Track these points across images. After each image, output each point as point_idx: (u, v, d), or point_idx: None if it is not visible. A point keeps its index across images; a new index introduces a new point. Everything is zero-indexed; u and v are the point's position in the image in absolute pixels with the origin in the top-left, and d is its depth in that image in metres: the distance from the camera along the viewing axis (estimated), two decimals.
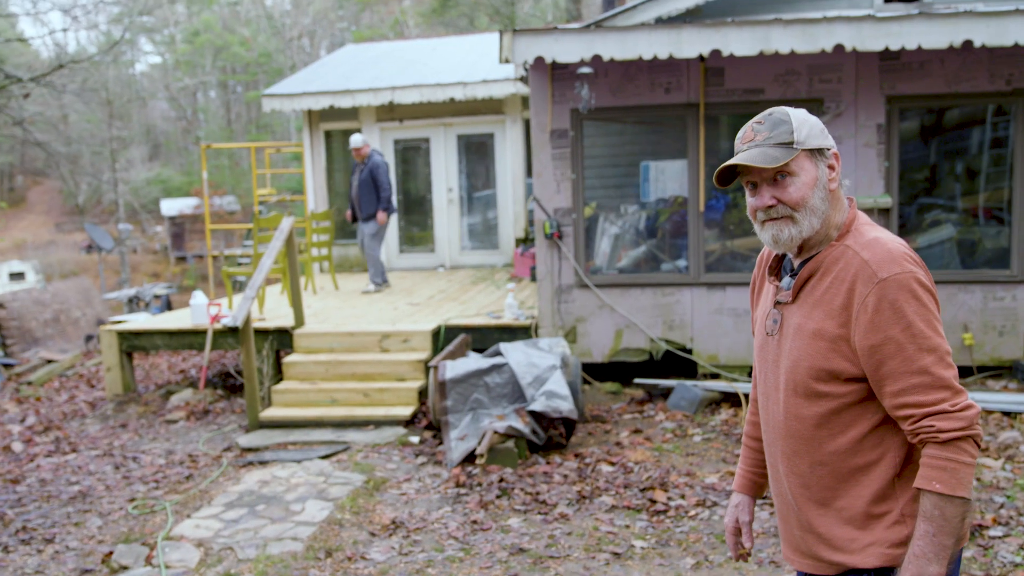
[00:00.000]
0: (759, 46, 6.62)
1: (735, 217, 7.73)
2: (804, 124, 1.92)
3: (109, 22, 35.80)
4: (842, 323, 1.84)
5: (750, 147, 1.92)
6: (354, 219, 10.11)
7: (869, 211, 7.20)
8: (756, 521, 4.67)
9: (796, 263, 2.00)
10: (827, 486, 1.93)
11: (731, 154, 7.78)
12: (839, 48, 6.59)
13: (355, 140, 9.81)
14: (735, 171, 1.95)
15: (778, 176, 1.91)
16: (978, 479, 5.17)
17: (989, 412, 6.39)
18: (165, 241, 35.61)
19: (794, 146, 1.89)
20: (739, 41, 6.63)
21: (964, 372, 7.35)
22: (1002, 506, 4.76)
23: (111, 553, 4.73)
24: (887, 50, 6.65)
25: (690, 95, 7.33)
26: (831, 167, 1.94)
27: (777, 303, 2.01)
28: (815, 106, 7.21)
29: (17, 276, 31.37)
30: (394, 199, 10.03)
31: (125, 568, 4.57)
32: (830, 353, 1.86)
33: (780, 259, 2.07)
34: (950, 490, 1.75)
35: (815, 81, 7.18)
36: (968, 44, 6.51)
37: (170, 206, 33.71)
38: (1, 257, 35.09)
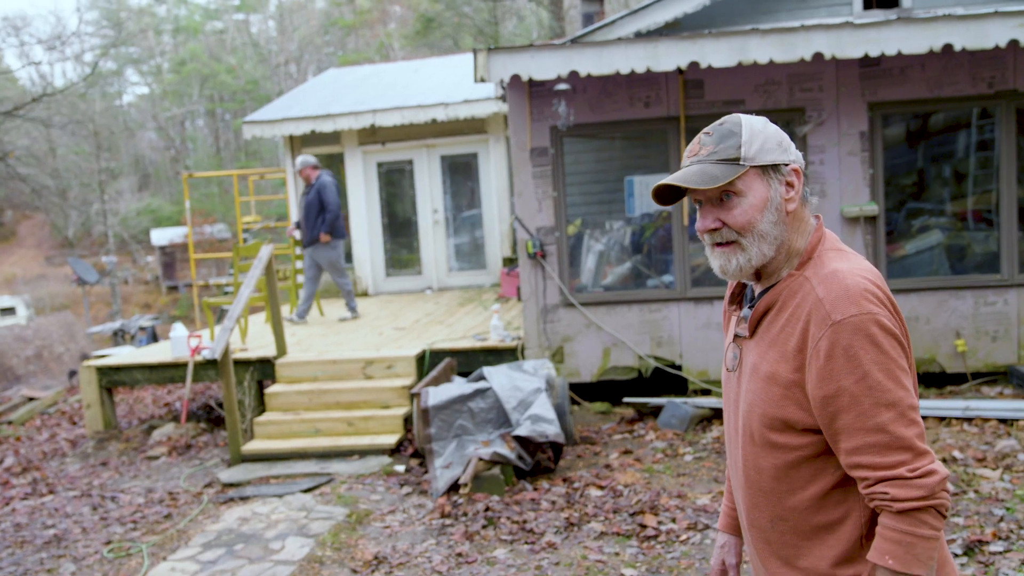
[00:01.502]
0: (737, 57, 6.53)
1: None
2: (757, 136, 1.70)
3: (96, 55, 35.81)
4: (796, 368, 1.64)
5: (692, 162, 1.72)
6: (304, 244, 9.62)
7: (856, 220, 7.10)
8: None
9: (757, 292, 1.80)
10: (788, 543, 1.74)
11: None
12: (818, 56, 6.51)
13: (298, 161, 9.41)
14: (680, 188, 1.75)
15: (723, 195, 1.70)
16: (976, 491, 5.03)
17: (985, 420, 6.26)
18: (156, 271, 35.46)
19: (741, 163, 1.68)
20: (716, 52, 6.54)
21: (958, 379, 7.22)
22: (1001, 519, 4.61)
23: None
24: (867, 57, 6.57)
25: (670, 108, 7.23)
26: (789, 185, 1.72)
27: (736, 336, 1.82)
28: (796, 115, 7.12)
29: (8, 311, 31.18)
30: (342, 221, 9.55)
31: None
32: (783, 400, 1.65)
33: (744, 285, 1.88)
34: (904, 567, 1.55)
35: (796, 90, 7.09)
36: (948, 48, 6.42)
37: (160, 235, 33.58)
38: None
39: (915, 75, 6.97)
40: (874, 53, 6.41)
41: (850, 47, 6.43)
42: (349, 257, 12.37)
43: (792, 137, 7.13)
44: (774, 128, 1.75)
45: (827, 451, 1.66)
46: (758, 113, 6.69)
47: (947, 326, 7.15)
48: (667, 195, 1.76)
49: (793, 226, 1.73)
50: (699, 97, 7.19)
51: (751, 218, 1.69)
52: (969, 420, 6.29)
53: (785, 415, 1.65)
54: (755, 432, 1.72)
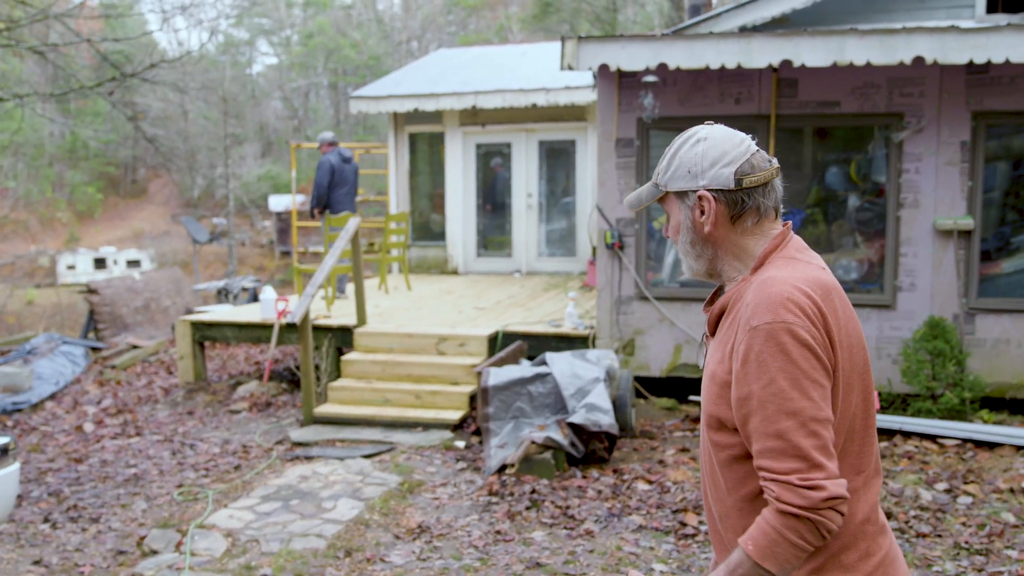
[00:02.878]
0: (832, 57, 6.35)
1: (811, 233, 7.44)
2: (673, 162, 1.82)
3: (229, 23, 37.40)
4: (729, 369, 1.71)
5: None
6: None
7: (948, 233, 6.82)
8: None
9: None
10: (732, 543, 1.76)
11: (801, 168, 7.38)
12: (919, 61, 6.26)
13: (318, 138, 9.90)
14: None
15: None
16: None
17: None
18: (272, 235, 36.93)
19: (659, 187, 1.84)
20: (811, 51, 6.37)
21: None
22: None
23: (145, 537, 4.91)
24: (972, 64, 6.27)
25: (761, 106, 7.09)
26: (702, 210, 1.80)
27: (705, 335, 1.92)
28: (894, 120, 6.87)
29: (134, 264, 33.14)
30: (344, 198, 9.68)
31: (155, 552, 4.73)
32: (718, 399, 1.73)
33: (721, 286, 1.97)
34: (759, 558, 1.59)
35: (895, 94, 6.84)
36: None
37: (277, 202, 34.90)
38: (121, 245, 37.16)
39: None
40: (980, 60, 6.12)
41: (954, 53, 6.16)
42: (442, 235, 12.63)
43: (887, 143, 6.91)
44: (699, 151, 1.79)
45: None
46: (854, 116, 6.48)
47: None
48: None
49: (730, 240, 1.81)
50: (792, 96, 7.03)
51: (673, 236, 1.87)
52: None
53: (719, 413, 1.72)
54: (704, 427, 1.81)
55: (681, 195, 1.81)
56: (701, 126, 1.84)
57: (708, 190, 1.77)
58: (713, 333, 1.85)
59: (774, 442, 1.59)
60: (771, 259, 1.77)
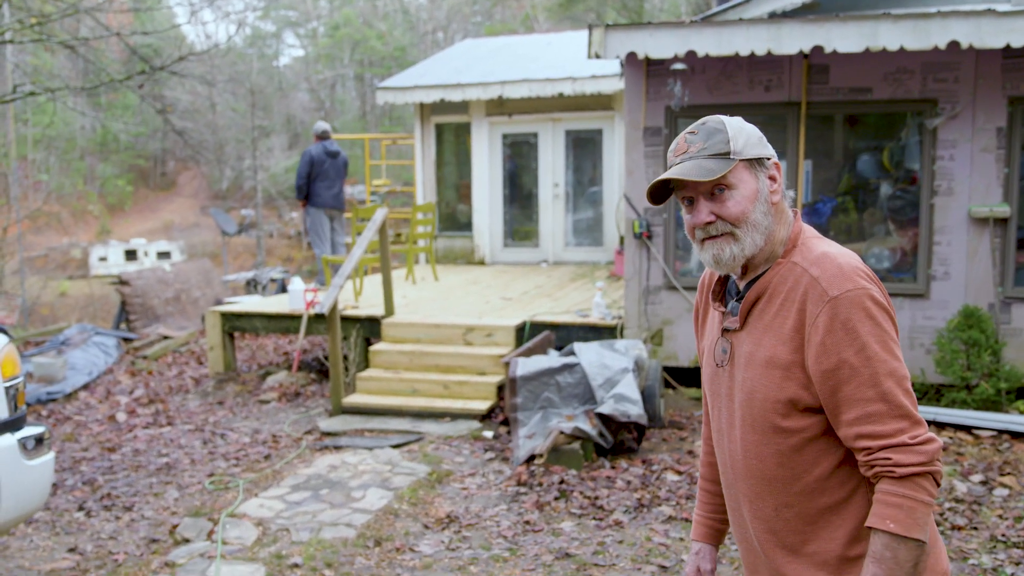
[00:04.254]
0: (865, 43, 6.24)
1: (842, 222, 7.36)
2: (741, 133, 1.78)
3: (256, 16, 37.61)
4: (795, 348, 1.69)
5: (683, 159, 1.77)
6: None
7: (984, 221, 6.69)
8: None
9: (741, 285, 1.85)
10: (795, 530, 1.77)
11: (832, 155, 7.31)
12: (954, 45, 6.14)
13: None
14: (669, 186, 1.81)
15: (716, 190, 1.76)
16: None
17: None
18: (299, 226, 37.19)
19: (731, 156, 1.75)
20: (843, 37, 6.27)
21: None
22: None
23: (178, 525, 4.96)
24: (1009, 47, 6.15)
25: (792, 93, 7.00)
26: (772, 178, 1.80)
27: (725, 331, 1.85)
28: (928, 107, 6.75)
29: (164, 255, 33.51)
30: (324, 191, 9.71)
31: (187, 541, 4.77)
32: (785, 382, 1.70)
33: (723, 282, 1.92)
34: (905, 530, 1.59)
35: (929, 80, 6.72)
36: None
37: None
38: (151, 237, 37.59)
39: None
40: (1017, 44, 6.00)
41: (990, 36, 6.04)
42: (469, 226, 12.62)
43: (921, 130, 6.79)
44: (752, 126, 1.83)
45: (829, 431, 1.71)
46: (887, 102, 6.39)
47: None
48: (659, 193, 1.82)
49: (777, 218, 1.80)
50: (823, 83, 6.93)
51: (744, 208, 1.75)
52: None
53: (788, 396, 1.70)
54: (757, 419, 1.76)
55: (754, 163, 1.77)
56: (716, 115, 1.84)
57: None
58: (742, 324, 1.81)
59: (876, 405, 1.62)
60: (802, 240, 1.79)
